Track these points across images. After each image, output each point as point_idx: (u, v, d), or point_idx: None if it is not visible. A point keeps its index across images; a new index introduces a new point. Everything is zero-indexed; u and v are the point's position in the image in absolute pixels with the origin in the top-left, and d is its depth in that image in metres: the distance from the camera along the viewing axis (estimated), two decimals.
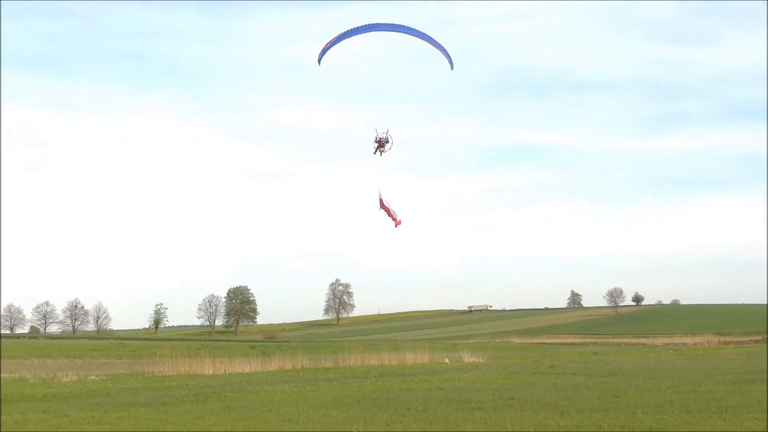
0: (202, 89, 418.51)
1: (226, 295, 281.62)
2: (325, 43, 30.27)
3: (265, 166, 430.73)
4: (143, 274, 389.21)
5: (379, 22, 26.69)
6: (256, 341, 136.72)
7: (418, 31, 26.71)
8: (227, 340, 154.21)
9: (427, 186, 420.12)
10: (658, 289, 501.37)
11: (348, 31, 28.75)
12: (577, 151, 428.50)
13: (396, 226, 31.51)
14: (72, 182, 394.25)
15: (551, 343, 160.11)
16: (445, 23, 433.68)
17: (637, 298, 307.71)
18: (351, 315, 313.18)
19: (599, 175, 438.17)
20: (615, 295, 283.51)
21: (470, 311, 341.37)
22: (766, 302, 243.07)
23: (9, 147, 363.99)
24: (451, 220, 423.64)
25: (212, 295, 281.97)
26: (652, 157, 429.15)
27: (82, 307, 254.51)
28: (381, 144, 29.99)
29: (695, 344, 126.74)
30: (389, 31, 26.21)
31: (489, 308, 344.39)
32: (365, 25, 26.94)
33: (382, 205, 31.82)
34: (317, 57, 29.97)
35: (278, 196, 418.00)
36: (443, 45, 26.74)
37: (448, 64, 27.44)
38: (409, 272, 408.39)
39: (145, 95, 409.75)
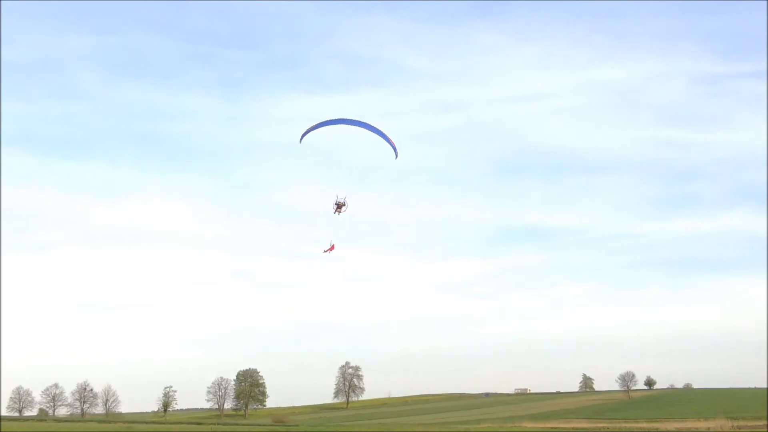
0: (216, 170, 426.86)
1: (235, 377, 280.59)
2: (307, 127, 33.77)
3: (276, 247, 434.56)
4: (153, 356, 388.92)
5: (345, 117, 29.75)
6: (265, 425, 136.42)
7: (373, 127, 29.80)
8: (236, 424, 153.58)
9: (438, 267, 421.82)
10: (671, 373, 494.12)
11: (326, 121, 31.75)
12: (588, 233, 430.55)
13: (328, 250, 35.40)
14: (80, 264, 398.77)
15: (563, 428, 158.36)
16: (461, 106, 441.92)
17: (650, 382, 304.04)
18: (361, 398, 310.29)
19: (610, 257, 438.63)
20: (627, 378, 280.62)
21: (486, 395, 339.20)
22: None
23: (16, 228, 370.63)
24: (462, 302, 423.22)
25: (221, 377, 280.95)
26: (662, 239, 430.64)
27: (91, 389, 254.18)
28: (339, 206, 35.78)
29: (708, 429, 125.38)
30: (349, 125, 29.16)
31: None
32: (335, 119, 30.09)
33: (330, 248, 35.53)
34: (299, 137, 33.84)
35: (288, 277, 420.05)
36: (390, 137, 29.78)
37: (393, 154, 30.69)
38: (421, 353, 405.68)
39: (155, 177, 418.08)
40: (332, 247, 36.36)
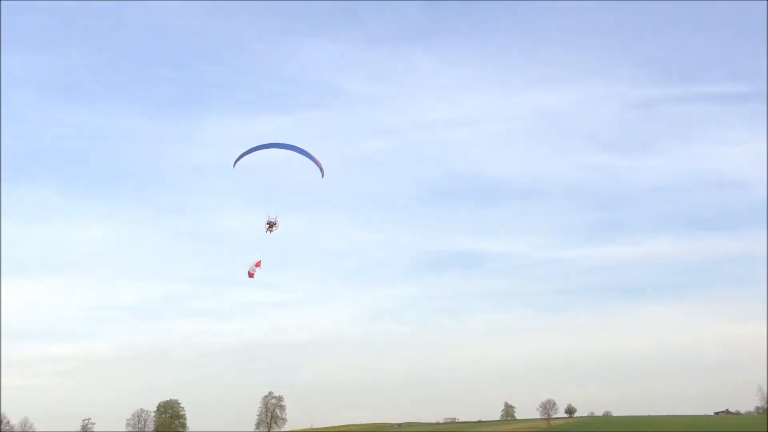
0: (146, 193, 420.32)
1: (155, 409, 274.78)
2: (240, 152, 35.36)
3: (205, 273, 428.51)
4: (70, 386, 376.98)
5: (274, 141, 31.63)
6: None
7: (299, 148, 31.81)
8: None
9: (365, 293, 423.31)
10: (591, 400, 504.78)
11: (258, 146, 33.49)
12: (515, 259, 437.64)
13: (253, 274, 36.80)
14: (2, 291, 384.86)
15: None
16: (393, 130, 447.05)
17: (570, 410, 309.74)
18: (283, 429, 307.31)
19: (535, 283, 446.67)
20: (548, 406, 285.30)
21: (399, 426, 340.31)
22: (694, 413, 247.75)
23: None
24: (385, 328, 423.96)
25: (141, 409, 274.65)
26: (588, 264, 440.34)
27: (8, 422, 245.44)
28: (271, 225, 37.66)
29: None
30: (278, 148, 30.99)
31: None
32: (266, 144, 31.94)
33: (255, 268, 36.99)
34: (233, 162, 35.34)
35: (214, 302, 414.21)
36: (317, 157, 31.97)
37: (320, 173, 32.84)
38: (347, 382, 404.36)
39: (85, 200, 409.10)
40: (258, 264, 37.89)
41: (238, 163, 32.55)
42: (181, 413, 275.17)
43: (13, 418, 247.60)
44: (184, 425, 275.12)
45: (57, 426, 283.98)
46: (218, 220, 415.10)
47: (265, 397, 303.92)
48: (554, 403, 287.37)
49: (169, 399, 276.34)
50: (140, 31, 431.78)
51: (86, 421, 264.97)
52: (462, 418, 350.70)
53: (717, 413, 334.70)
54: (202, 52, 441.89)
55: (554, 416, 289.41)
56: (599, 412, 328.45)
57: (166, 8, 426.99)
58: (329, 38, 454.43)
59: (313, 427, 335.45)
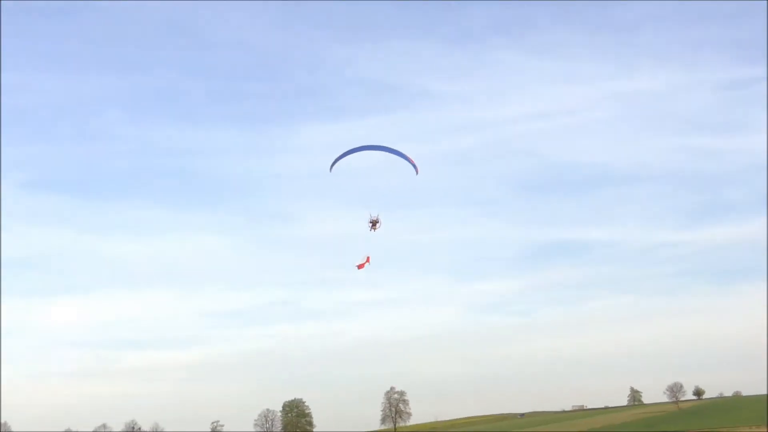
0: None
1: (281, 408, 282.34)
2: (335, 156, 36.45)
3: (313, 275, 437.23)
4: (199, 391, 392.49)
5: (367, 144, 32.62)
6: None
7: (391, 149, 32.60)
8: None
9: (473, 288, 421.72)
10: (719, 382, 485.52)
11: (351, 149, 34.40)
12: (621, 246, 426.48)
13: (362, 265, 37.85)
14: (119, 302, 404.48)
15: None
16: (482, 125, 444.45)
17: (698, 392, 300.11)
18: (408, 423, 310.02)
19: (647, 268, 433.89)
20: (675, 389, 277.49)
21: (521, 416, 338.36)
22: None
23: (47, 268, 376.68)
24: (496, 320, 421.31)
25: (267, 409, 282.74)
26: (699, 247, 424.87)
27: (140, 428, 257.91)
28: (374, 224, 38.56)
29: None
30: (371, 150, 31.84)
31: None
32: (359, 147, 32.95)
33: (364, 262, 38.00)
34: (329, 166, 36.54)
35: (328, 304, 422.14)
36: (409, 155, 32.74)
37: (414, 170, 33.54)
38: (464, 375, 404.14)
39: (190, 213, 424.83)
40: (368, 259, 39.16)
41: (334, 167, 33.66)
42: (307, 411, 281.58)
43: (144, 424, 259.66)
44: (311, 423, 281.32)
45: (188, 428, 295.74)
46: (319, 225, 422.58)
47: (388, 392, 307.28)
48: (681, 386, 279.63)
49: (293, 398, 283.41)
50: (224, 47, 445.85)
51: (215, 424, 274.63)
52: (589, 406, 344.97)
53: None
54: (286, 63, 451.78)
55: (682, 399, 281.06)
56: (728, 393, 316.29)
57: (246, 23, 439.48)
58: (412, 39, 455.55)
59: (438, 419, 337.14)
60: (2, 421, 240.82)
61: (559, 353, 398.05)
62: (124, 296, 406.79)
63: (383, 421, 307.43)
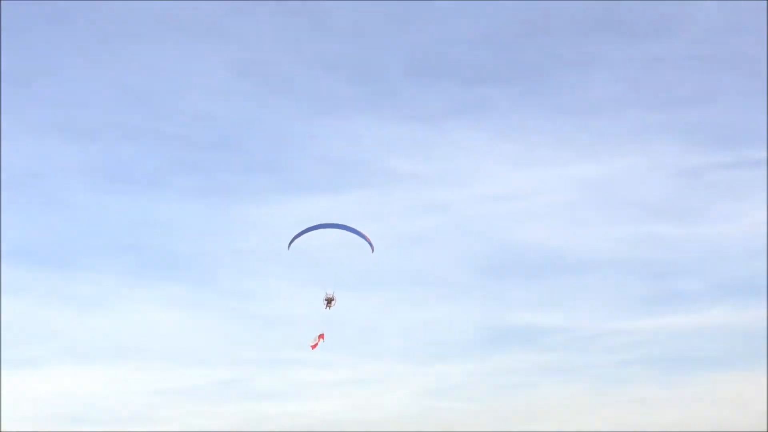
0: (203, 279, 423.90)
1: None
2: (293, 234, 36.85)
3: (261, 355, 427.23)
4: None
5: (324, 222, 33.29)
6: None
7: (348, 226, 33.21)
8: None
9: (422, 372, 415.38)
10: None
11: (308, 228, 35.09)
12: (573, 333, 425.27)
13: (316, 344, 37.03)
14: (72, 378, 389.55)
15: None
16: (444, 206, 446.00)
17: None
18: None
19: (600, 355, 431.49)
20: None
21: None
22: None
23: (7, 340, 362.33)
24: (448, 406, 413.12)
25: None
26: (648, 337, 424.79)
27: None
28: (329, 301, 37.63)
29: None
30: (328, 228, 32.47)
31: None
32: (316, 225, 33.65)
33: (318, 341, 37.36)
34: (287, 244, 36.85)
35: (278, 384, 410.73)
36: (366, 233, 33.36)
37: (370, 248, 34.04)
38: None
39: (140, 286, 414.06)
40: (321, 337, 38.64)
41: (292, 245, 34.15)
42: None
43: None
44: None
45: None
46: (275, 302, 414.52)
47: None
48: None
49: None
50: (186, 118, 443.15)
51: None
52: None
53: None
54: (248, 137, 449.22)
55: None
56: None
57: (210, 96, 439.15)
58: (374, 117, 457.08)
59: None
60: None
61: None
62: (69, 370, 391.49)
63: None
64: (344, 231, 34.09)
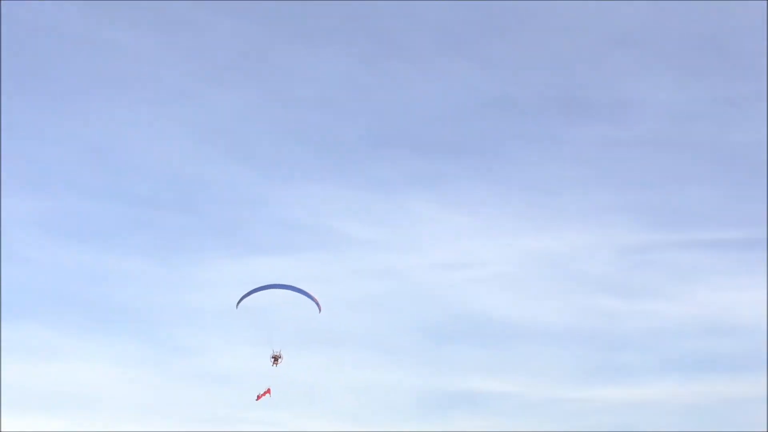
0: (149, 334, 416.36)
1: None
2: (242, 293, 38.16)
3: (208, 414, 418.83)
4: None
5: (273, 283, 34.75)
6: None
7: (295, 287, 34.69)
8: None
9: None
10: None
11: (257, 288, 36.46)
12: (520, 399, 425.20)
13: (262, 395, 37.90)
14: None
15: None
16: (394, 272, 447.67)
17: None
18: None
19: (542, 423, 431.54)
20: None
21: None
22: None
23: None
24: None
25: None
26: (594, 406, 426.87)
27: None
28: (276, 359, 38.55)
29: None
30: (276, 289, 33.94)
31: None
32: (265, 285, 35.03)
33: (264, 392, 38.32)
34: (235, 303, 38.09)
35: None
36: (313, 294, 34.84)
37: (317, 309, 35.50)
38: None
39: (85, 340, 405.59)
40: (268, 391, 39.56)
41: (240, 304, 35.37)
42: None
43: None
44: None
45: None
46: (222, 360, 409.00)
47: None
48: None
49: None
50: (139, 173, 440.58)
51: None
52: None
53: None
54: (201, 195, 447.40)
55: None
56: None
57: (171, 158, 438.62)
58: (328, 182, 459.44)
59: None
60: None
61: None
62: (15, 422, 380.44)
63: None
64: (292, 291, 35.38)
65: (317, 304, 36.10)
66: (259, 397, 39.84)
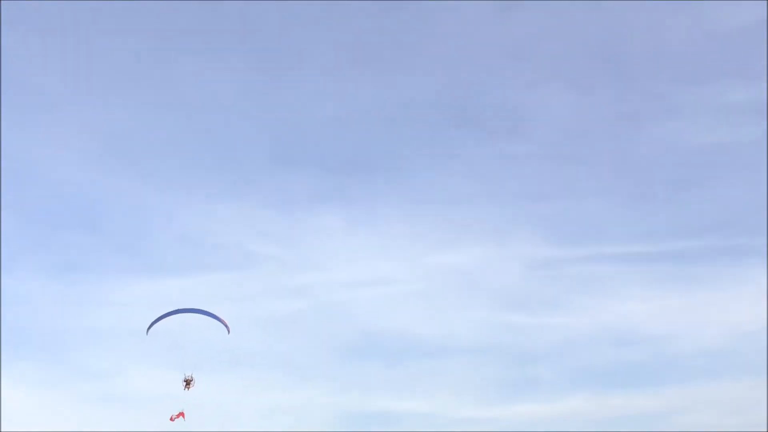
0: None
1: None
2: (151, 319, 39.11)
3: None
4: None
5: (182, 307, 35.92)
6: None
7: (204, 311, 36.04)
8: None
9: None
10: None
11: (166, 313, 37.49)
12: (433, 419, 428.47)
13: (176, 417, 38.98)
14: None
15: None
16: (301, 293, 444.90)
17: None
18: None
19: None
20: None
21: None
22: None
23: None
24: None
25: None
26: (508, 423, 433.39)
27: None
28: (188, 383, 39.64)
29: None
30: (189, 313, 35.21)
31: None
32: (174, 310, 36.11)
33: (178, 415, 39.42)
34: (145, 329, 39.02)
35: None
36: (221, 317, 36.25)
37: (226, 330, 36.92)
38: None
39: None
40: (182, 414, 40.33)
41: (150, 330, 36.22)
42: None
43: None
44: None
45: None
46: (129, 382, 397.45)
47: None
48: None
49: None
50: (42, 193, 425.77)
51: None
52: None
53: None
54: (106, 214, 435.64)
55: None
56: None
57: (72, 174, 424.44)
58: (235, 200, 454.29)
59: None
60: None
61: None
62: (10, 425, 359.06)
63: None
64: (201, 315, 36.47)
65: (225, 325, 37.29)
66: (172, 419, 40.57)
